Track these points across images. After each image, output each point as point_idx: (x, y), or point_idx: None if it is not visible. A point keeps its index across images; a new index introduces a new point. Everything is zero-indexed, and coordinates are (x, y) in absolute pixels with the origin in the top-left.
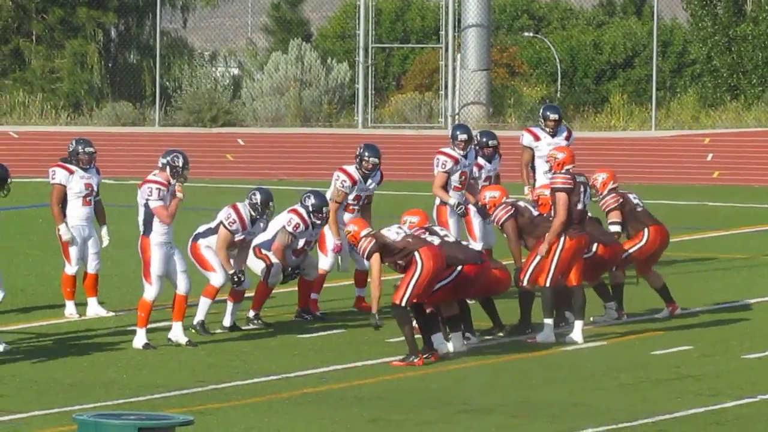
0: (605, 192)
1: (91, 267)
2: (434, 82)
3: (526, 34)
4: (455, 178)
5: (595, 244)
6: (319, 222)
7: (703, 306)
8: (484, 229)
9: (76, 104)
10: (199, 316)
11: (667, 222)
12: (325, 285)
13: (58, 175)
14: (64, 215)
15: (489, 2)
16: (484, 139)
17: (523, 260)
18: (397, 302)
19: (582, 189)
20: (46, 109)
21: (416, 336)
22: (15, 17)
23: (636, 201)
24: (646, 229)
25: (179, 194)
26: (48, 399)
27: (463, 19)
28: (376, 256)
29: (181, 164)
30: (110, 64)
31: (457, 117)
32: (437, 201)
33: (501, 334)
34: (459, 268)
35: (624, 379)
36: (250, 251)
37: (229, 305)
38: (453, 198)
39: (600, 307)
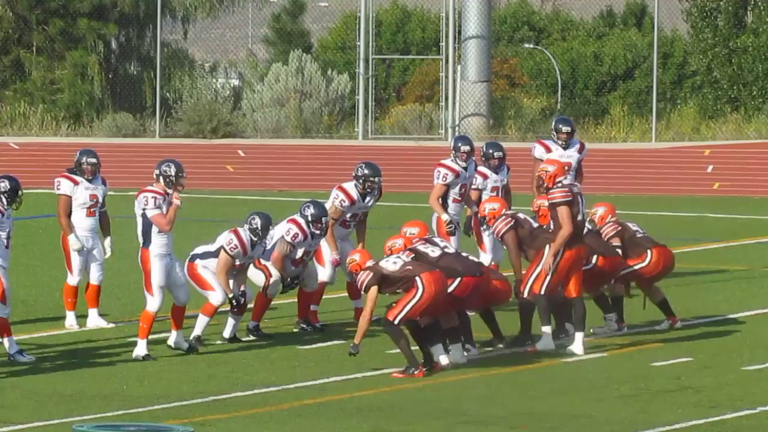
0: (604, 224)
1: (94, 278)
2: (435, 94)
3: (526, 45)
4: (455, 191)
5: (595, 256)
6: (318, 232)
7: (703, 317)
8: (495, 242)
9: (76, 115)
10: (197, 331)
11: (667, 233)
12: (324, 296)
13: (63, 185)
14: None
15: (489, 13)
16: (490, 151)
17: (523, 272)
18: (390, 319)
19: (579, 199)
20: (46, 120)
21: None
22: (16, 28)
23: (635, 228)
24: (648, 251)
25: (176, 201)
26: (48, 410)
27: (463, 30)
28: (373, 290)
29: (173, 173)
30: (111, 76)
31: (457, 128)
32: (443, 217)
33: (501, 345)
34: (458, 279)
35: (624, 390)
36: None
37: (230, 318)
38: (445, 214)
39: (600, 318)
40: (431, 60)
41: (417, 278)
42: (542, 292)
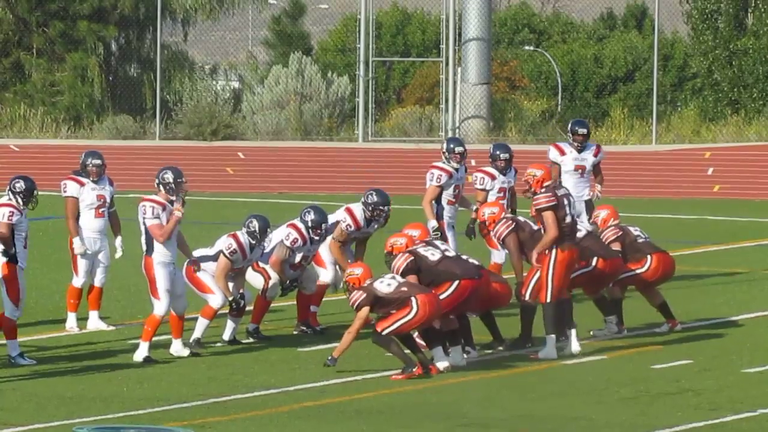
0: (606, 227)
1: (98, 280)
2: (435, 96)
3: (526, 47)
4: (449, 192)
5: (595, 258)
6: (317, 238)
7: (704, 320)
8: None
9: (76, 117)
10: (196, 334)
11: (668, 236)
12: (324, 299)
13: (70, 187)
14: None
15: (489, 16)
16: (497, 152)
17: (524, 274)
18: (379, 330)
19: (566, 201)
20: (46, 122)
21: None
22: (16, 30)
23: (637, 233)
24: (649, 256)
25: (177, 213)
26: (48, 412)
27: (463, 32)
28: (365, 310)
29: (171, 179)
30: (111, 78)
31: (457, 130)
32: (429, 224)
33: (501, 348)
34: (456, 282)
35: (624, 393)
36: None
37: (230, 320)
38: (433, 221)
39: (600, 321)
40: (431, 62)
41: (412, 298)
42: (548, 300)
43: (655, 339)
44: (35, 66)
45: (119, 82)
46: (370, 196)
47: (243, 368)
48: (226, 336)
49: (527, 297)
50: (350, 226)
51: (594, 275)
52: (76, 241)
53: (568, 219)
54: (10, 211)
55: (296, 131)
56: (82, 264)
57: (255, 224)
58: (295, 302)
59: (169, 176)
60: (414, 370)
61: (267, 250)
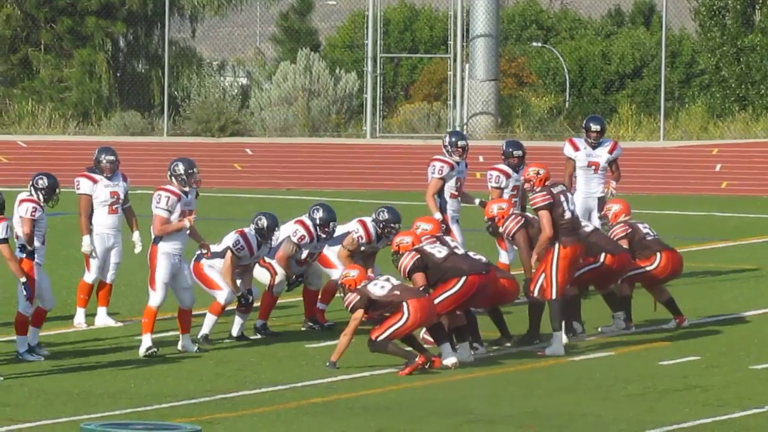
0: (616, 223)
1: (108, 277)
2: (443, 92)
3: (534, 44)
4: (451, 185)
5: (603, 254)
6: (324, 236)
7: (711, 316)
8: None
9: (84, 114)
10: (204, 330)
11: (675, 232)
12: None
13: (83, 185)
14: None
15: (497, 12)
16: (510, 149)
17: (533, 271)
18: (373, 338)
19: (563, 198)
20: (54, 118)
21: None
22: (24, 26)
23: (646, 230)
24: (657, 254)
25: (186, 222)
26: (56, 408)
27: (471, 29)
28: (359, 312)
29: (182, 170)
30: (119, 74)
31: (465, 127)
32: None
33: (509, 344)
34: (464, 278)
35: (632, 389)
36: None
37: (238, 316)
38: (438, 213)
39: (607, 317)
40: (439, 58)
41: (404, 304)
42: (554, 297)
43: (663, 335)
44: (43, 62)
45: (127, 79)
46: (381, 213)
47: (251, 364)
48: (235, 332)
49: (535, 294)
50: (362, 238)
51: (602, 271)
52: (85, 239)
53: (568, 215)
54: (33, 207)
55: (304, 127)
56: (94, 260)
57: (263, 221)
58: (302, 298)
59: (180, 168)
60: (417, 359)
61: (274, 245)
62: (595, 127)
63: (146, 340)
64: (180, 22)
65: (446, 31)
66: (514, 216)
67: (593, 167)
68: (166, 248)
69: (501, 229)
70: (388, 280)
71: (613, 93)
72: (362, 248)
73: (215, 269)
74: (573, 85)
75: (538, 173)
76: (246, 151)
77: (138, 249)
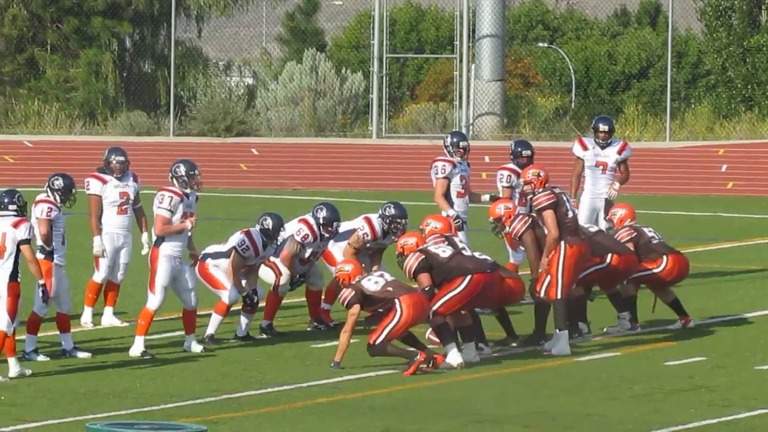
0: (621, 227)
1: (117, 277)
2: (449, 92)
3: (540, 44)
4: (456, 183)
5: (610, 255)
6: (327, 235)
7: (717, 317)
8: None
9: (90, 114)
10: (210, 330)
11: (681, 233)
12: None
13: (92, 185)
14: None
15: (504, 12)
16: (519, 149)
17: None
18: (371, 342)
19: (564, 198)
20: (60, 118)
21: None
22: (30, 27)
23: (651, 234)
24: (664, 257)
25: (187, 224)
26: (62, 408)
27: (477, 29)
28: (355, 307)
29: (183, 172)
30: (125, 74)
31: (471, 127)
32: (443, 213)
33: (515, 344)
34: (469, 277)
35: (637, 389)
36: None
37: (243, 316)
38: (451, 210)
39: (613, 318)
40: (445, 59)
41: (396, 300)
42: (559, 296)
43: (669, 336)
44: (49, 62)
45: (133, 79)
46: (387, 208)
47: (256, 364)
48: (240, 332)
49: (542, 294)
50: (367, 235)
51: (609, 272)
52: (95, 240)
53: (570, 214)
54: (48, 207)
55: (310, 127)
56: (103, 260)
57: (269, 222)
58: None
59: (182, 169)
60: (417, 357)
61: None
62: (603, 127)
63: (139, 343)
64: (186, 22)
65: (452, 31)
66: (521, 216)
67: (601, 167)
68: (167, 250)
69: (508, 230)
70: (381, 275)
71: (619, 93)
72: (368, 245)
73: (220, 269)
74: (579, 86)
75: (538, 175)
76: (252, 151)
77: (145, 251)
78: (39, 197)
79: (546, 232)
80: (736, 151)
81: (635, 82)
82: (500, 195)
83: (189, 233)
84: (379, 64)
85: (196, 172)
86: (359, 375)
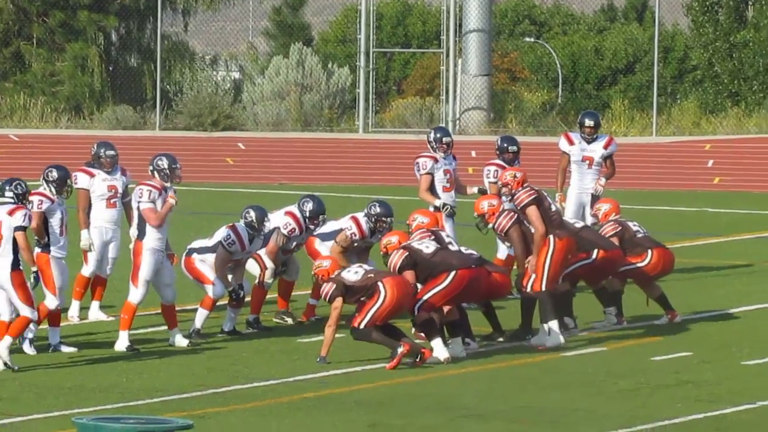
0: (606, 221)
1: (105, 271)
2: (435, 87)
3: (527, 39)
4: (440, 178)
5: (596, 250)
6: (312, 227)
7: (703, 312)
8: None
9: (76, 107)
10: (196, 324)
11: (668, 228)
12: None
13: (80, 179)
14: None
15: (490, 7)
16: (505, 145)
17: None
18: (355, 326)
19: (545, 193)
20: (46, 112)
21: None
22: (16, 20)
23: (636, 228)
24: (649, 251)
25: (171, 200)
26: (48, 402)
27: (464, 24)
28: (338, 300)
29: (166, 165)
30: (111, 68)
31: (457, 122)
32: (431, 207)
33: (501, 339)
34: (453, 272)
35: (624, 384)
36: None
37: (229, 311)
38: (438, 200)
39: (599, 313)
40: (432, 53)
41: (379, 284)
42: (543, 289)
43: (655, 331)
44: (35, 56)
45: (119, 72)
46: (373, 207)
47: (243, 359)
48: (226, 327)
49: (528, 288)
50: (355, 235)
51: (595, 267)
52: (83, 233)
53: (554, 207)
54: (39, 200)
55: (296, 122)
56: (92, 254)
57: (252, 215)
58: (303, 292)
59: (163, 162)
60: (401, 349)
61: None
62: (589, 122)
63: (124, 338)
64: (172, 16)
65: (439, 26)
66: (507, 212)
67: (587, 162)
68: (151, 243)
69: (494, 226)
70: (360, 266)
71: (605, 88)
72: (355, 244)
73: (206, 263)
74: (566, 81)
75: (515, 176)
76: (238, 146)
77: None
78: (34, 190)
79: (532, 229)
80: (722, 147)
81: (622, 77)
82: (488, 191)
83: (175, 206)
84: (366, 59)
85: (177, 165)
86: (346, 370)
